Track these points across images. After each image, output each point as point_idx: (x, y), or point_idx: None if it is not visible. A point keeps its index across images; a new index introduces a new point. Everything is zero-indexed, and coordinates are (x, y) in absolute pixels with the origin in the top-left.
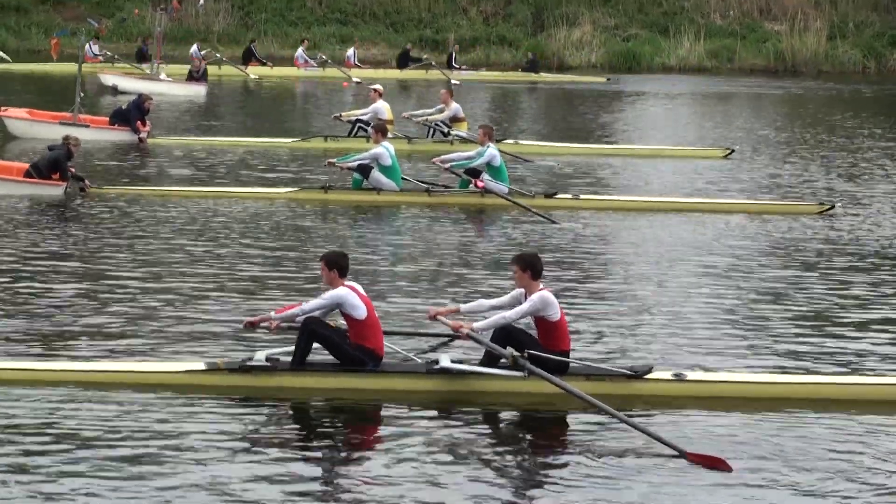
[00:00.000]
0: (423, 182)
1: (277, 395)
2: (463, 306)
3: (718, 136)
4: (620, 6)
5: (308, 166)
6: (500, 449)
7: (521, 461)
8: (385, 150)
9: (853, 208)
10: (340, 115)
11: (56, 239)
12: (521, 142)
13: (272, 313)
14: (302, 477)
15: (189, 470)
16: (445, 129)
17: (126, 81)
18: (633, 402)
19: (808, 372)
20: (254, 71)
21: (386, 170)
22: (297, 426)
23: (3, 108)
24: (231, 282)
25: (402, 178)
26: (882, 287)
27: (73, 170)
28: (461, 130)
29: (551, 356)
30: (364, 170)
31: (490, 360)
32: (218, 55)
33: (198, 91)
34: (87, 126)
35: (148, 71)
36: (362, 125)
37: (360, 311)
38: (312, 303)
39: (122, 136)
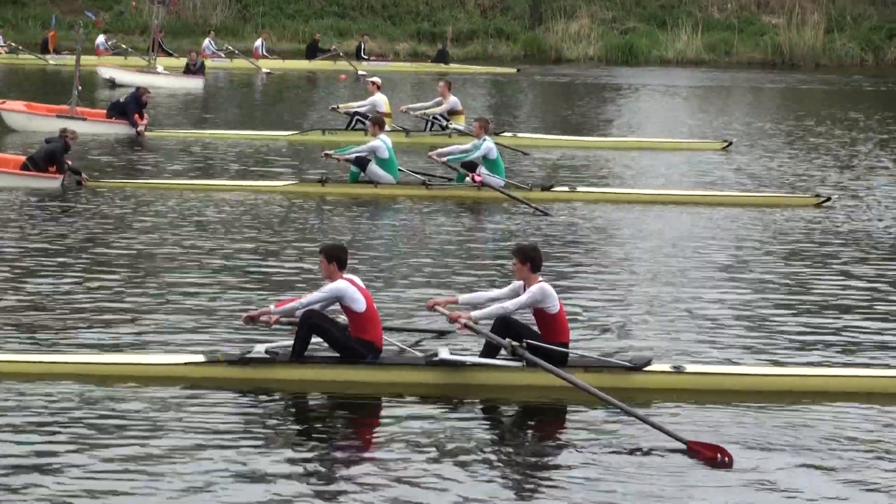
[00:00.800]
0: (419, 174)
1: (277, 387)
2: (461, 297)
3: (716, 128)
4: None
5: (306, 159)
6: (499, 441)
7: (521, 453)
8: (382, 143)
9: (849, 200)
10: (338, 107)
11: (53, 232)
12: (519, 134)
13: (272, 307)
14: (301, 469)
15: (188, 462)
16: (443, 123)
17: (123, 74)
18: (632, 395)
19: (807, 364)
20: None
21: (383, 163)
22: (297, 418)
23: (0, 101)
24: (229, 274)
25: (399, 171)
26: (879, 278)
27: (69, 163)
28: (459, 124)
29: (550, 346)
30: (361, 163)
31: (489, 351)
32: (230, 48)
33: (195, 84)
34: (85, 119)
35: (149, 63)
36: (360, 118)
37: (360, 304)
38: (312, 296)
39: (119, 129)
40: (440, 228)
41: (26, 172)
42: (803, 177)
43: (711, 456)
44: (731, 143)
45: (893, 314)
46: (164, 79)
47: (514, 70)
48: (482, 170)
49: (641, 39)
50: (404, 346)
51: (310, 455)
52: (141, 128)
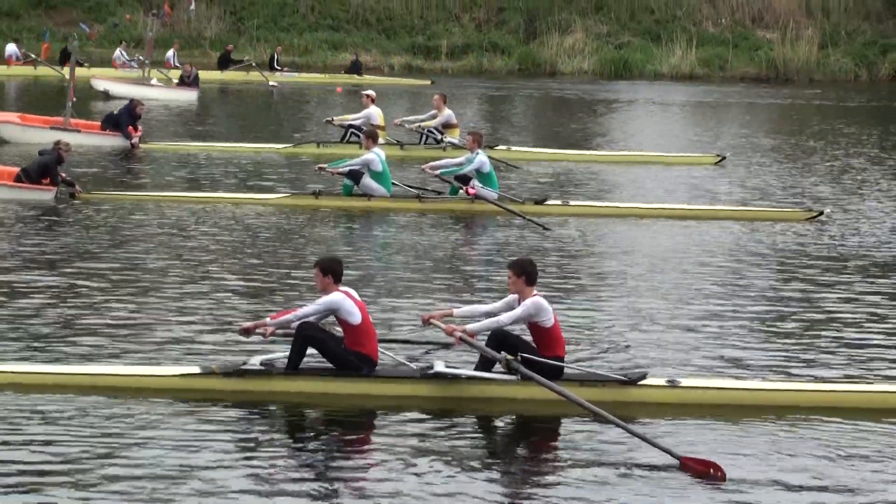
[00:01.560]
0: (413, 188)
1: (272, 399)
2: (456, 310)
3: (709, 143)
4: (613, 14)
5: (300, 172)
6: (494, 454)
7: (515, 466)
8: (376, 156)
9: (842, 215)
10: (332, 120)
11: (46, 244)
12: (513, 148)
13: (268, 319)
14: (295, 482)
15: (183, 473)
16: (438, 136)
17: (117, 86)
18: (627, 409)
19: (801, 379)
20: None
21: (377, 175)
22: (291, 430)
23: None
24: (223, 287)
25: (393, 184)
26: (871, 293)
27: (63, 175)
28: (454, 137)
29: (546, 360)
30: (355, 176)
31: (484, 365)
32: (142, 58)
33: (189, 96)
34: (79, 131)
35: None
36: (355, 131)
37: (355, 317)
38: (307, 308)
39: (113, 141)
40: (434, 241)
41: (20, 185)
42: (795, 191)
43: (704, 471)
44: (724, 158)
45: (887, 329)
46: (158, 91)
47: (428, 82)
48: (476, 183)
49: (636, 54)
50: (399, 359)
51: (304, 467)
52: (135, 140)
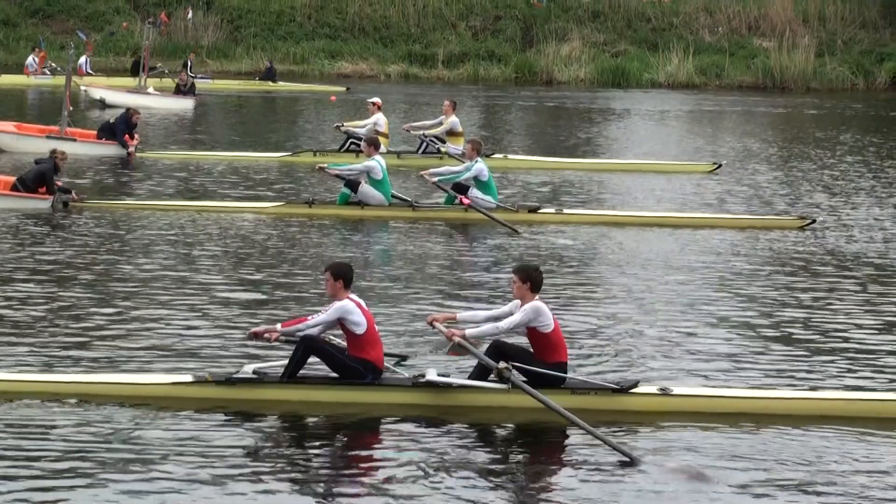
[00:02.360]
0: (405, 199)
1: (264, 407)
2: (460, 314)
3: (706, 151)
4: (609, 22)
5: (295, 180)
6: (484, 463)
7: (505, 475)
8: (377, 163)
9: (835, 222)
10: (342, 125)
11: (42, 253)
12: (510, 156)
13: (279, 326)
14: (285, 489)
15: (175, 481)
16: (438, 145)
17: (114, 95)
18: (619, 417)
19: (793, 387)
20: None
21: (377, 183)
22: (283, 439)
23: None
24: (217, 295)
25: (393, 196)
26: (863, 300)
27: (59, 183)
28: (456, 145)
29: (543, 370)
30: (352, 185)
31: (481, 372)
32: (54, 65)
33: (185, 105)
34: (75, 140)
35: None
36: (354, 141)
37: (361, 327)
38: (319, 317)
39: (109, 150)
40: (427, 249)
41: (16, 193)
42: (790, 199)
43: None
44: (720, 166)
45: (878, 337)
46: (154, 99)
47: (343, 89)
48: (473, 192)
49: (632, 62)
50: (391, 367)
51: (293, 476)
52: (131, 148)
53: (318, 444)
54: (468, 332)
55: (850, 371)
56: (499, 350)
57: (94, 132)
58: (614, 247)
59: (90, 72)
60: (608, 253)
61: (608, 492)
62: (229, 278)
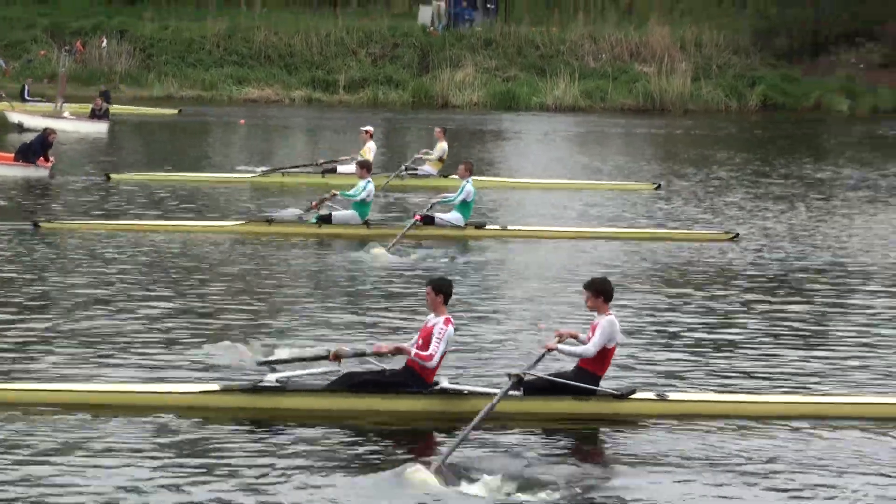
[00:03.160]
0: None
1: (287, 415)
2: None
3: (601, 170)
4: (500, 49)
5: (255, 199)
6: (496, 462)
7: (517, 478)
8: (372, 185)
9: (752, 235)
10: (341, 160)
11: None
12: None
13: (384, 346)
14: (306, 493)
15: (201, 485)
16: (416, 170)
17: (31, 119)
18: (619, 421)
19: (785, 391)
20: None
21: (363, 205)
22: (305, 445)
23: None
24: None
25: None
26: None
27: None
28: (433, 169)
29: (555, 378)
30: (325, 218)
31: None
32: None
33: (100, 128)
34: None
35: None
36: (328, 167)
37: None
38: (439, 347)
39: (26, 171)
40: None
41: None
42: (687, 213)
43: None
44: (659, 186)
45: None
46: (70, 123)
47: (175, 111)
48: (436, 211)
49: (522, 87)
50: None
51: (315, 479)
52: (45, 170)
53: (338, 447)
54: (563, 348)
55: (803, 375)
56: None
57: (11, 155)
58: (555, 260)
59: (27, 98)
60: (551, 265)
61: (627, 491)
62: (245, 294)
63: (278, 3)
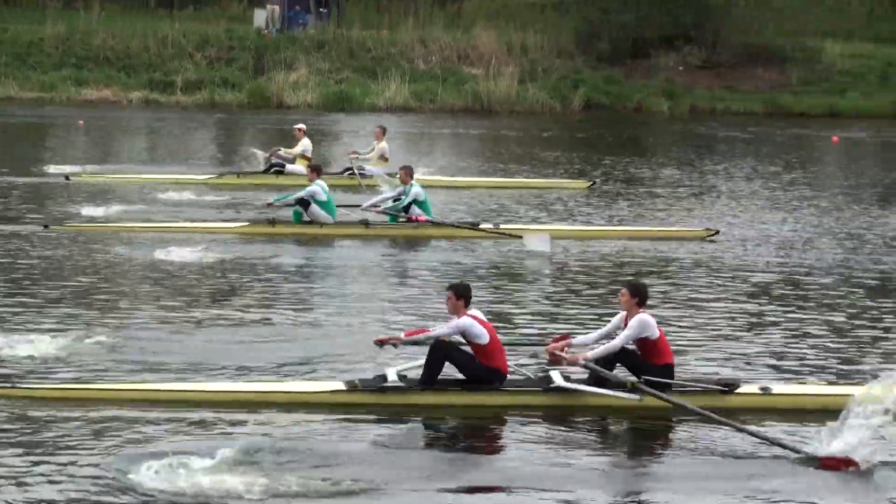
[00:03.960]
0: (354, 204)
1: (409, 411)
2: (574, 340)
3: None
4: (334, 52)
5: (241, 202)
6: (610, 455)
7: (629, 466)
8: (319, 187)
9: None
10: (279, 150)
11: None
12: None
13: (402, 335)
14: (433, 485)
15: (336, 471)
16: (283, 165)
17: None
18: (726, 414)
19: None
20: None
21: (322, 204)
22: (429, 439)
23: None
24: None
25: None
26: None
27: None
28: (381, 168)
29: (659, 379)
30: (303, 203)
31: (598, 379)
32: None
33: None
34: None
35: None
36: (278, 165)
37: (483, 338)
38: (440, 329)
39: None
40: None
41: None
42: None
43: (838, 466)
44: (594, 183)
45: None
46: None
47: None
48: (415, 211)
49: (355, 88)
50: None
51: (441, 473)
52: None
53: (460, 443)
54: (589, 355)
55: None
56: (607, 360)
57: None
58: (536, 258)
59: None
60: (538, 264)
61: (743, 481)
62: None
63: (115, 8)
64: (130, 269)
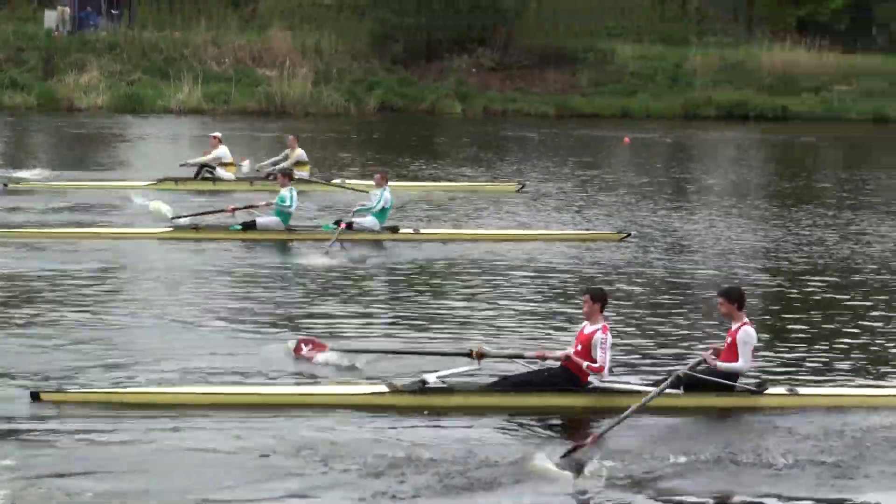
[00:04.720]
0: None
1: (450, 412)
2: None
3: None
4: (125, 54)
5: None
6: (650, 452)
7: (694, 464)
8: (290, 193)
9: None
10: (188, 162)
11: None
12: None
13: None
14: (475, 484)
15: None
16: (212, 171)
17: None
18: (755, 413)
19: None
20: None
21: (286, 212)
22: (470, 438)
23: None
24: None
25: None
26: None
27: None
28: (304, 172)
29: (711, 378)
30: (250, 226)
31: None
32: None
33: None
34: None
35: None
36: (208, 169)
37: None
38: (608, 356)
39: None
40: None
41: None
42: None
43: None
44: (524, 186)
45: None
46: None
47: None
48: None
49: (147, 90)
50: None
51: (480, 473)
52: None
53: (500, 442)
54: (719, 366)
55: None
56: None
57: None
58: (468, 260)
59: None
60: (467, 266)
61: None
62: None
63: None
64: None
